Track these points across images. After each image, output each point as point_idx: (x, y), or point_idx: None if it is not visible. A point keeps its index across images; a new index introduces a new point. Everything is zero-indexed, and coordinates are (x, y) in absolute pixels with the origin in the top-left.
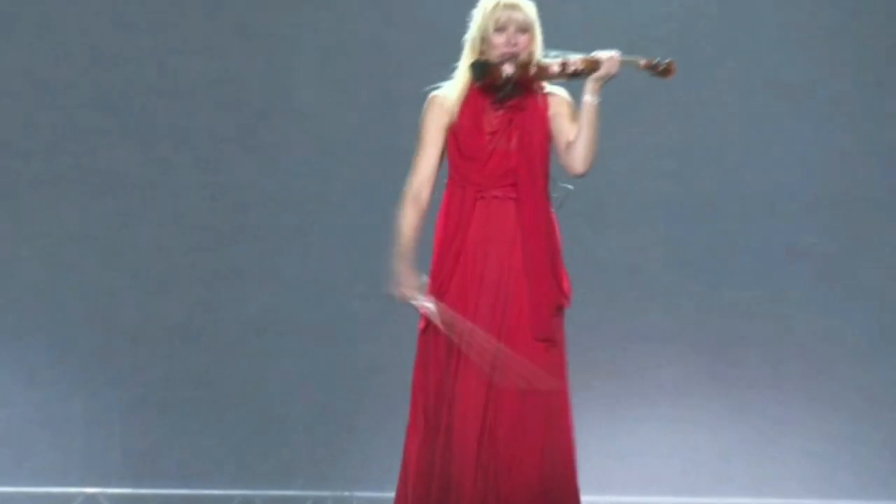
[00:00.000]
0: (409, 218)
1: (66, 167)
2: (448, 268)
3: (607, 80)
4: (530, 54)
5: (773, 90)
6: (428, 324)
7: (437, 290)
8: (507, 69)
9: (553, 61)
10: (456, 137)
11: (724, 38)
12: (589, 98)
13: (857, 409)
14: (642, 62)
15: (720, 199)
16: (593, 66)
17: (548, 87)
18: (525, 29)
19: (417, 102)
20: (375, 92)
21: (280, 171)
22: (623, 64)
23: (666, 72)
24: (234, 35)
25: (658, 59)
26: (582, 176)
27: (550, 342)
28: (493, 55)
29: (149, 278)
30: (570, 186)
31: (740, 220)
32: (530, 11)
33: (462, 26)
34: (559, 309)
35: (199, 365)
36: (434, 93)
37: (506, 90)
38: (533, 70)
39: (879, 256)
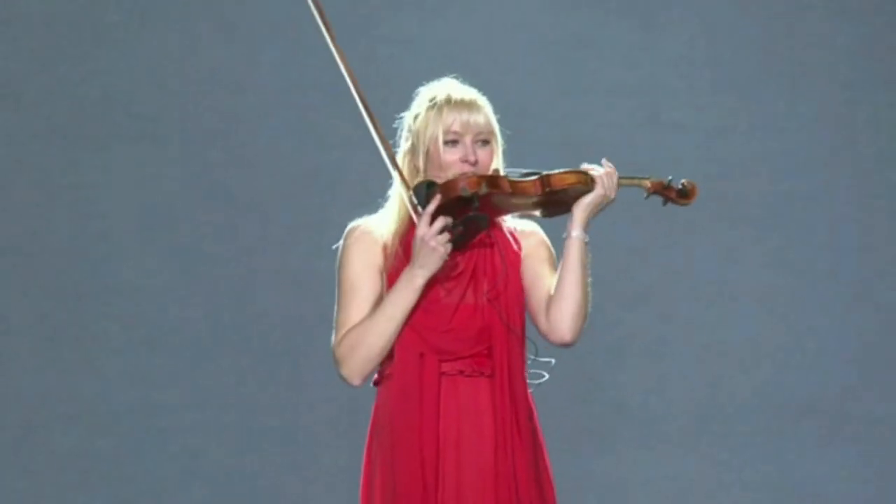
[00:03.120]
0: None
1: None
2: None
3: (601, 208)
4: (496, 171)
5: None
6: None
7: None
8: (468, 187)
9: (529, 178)
10: None
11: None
12: (576, 233)
13: None
14: (649, 183)
15: None
16: (584, 182)
17: (513, 222)
18: (487, 139)
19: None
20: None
21: None
22: (622, 185)
23: (684, 195)
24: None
25: (670, 178)
26: (569, 346)
27: None
28: (444, 179)
29: None
30: (549, 360)
31: None
32: (490, 112)
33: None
34: None
35: None
36: (355, 223)
37: (468, 219)
38: (506, 187)
39: None
